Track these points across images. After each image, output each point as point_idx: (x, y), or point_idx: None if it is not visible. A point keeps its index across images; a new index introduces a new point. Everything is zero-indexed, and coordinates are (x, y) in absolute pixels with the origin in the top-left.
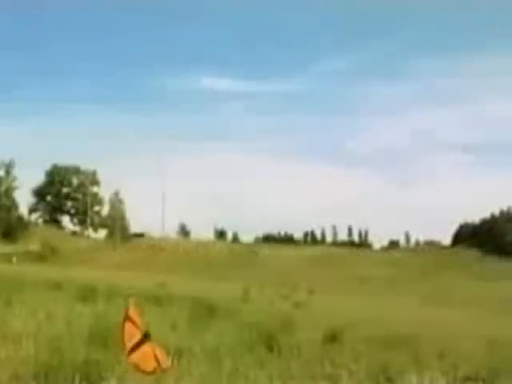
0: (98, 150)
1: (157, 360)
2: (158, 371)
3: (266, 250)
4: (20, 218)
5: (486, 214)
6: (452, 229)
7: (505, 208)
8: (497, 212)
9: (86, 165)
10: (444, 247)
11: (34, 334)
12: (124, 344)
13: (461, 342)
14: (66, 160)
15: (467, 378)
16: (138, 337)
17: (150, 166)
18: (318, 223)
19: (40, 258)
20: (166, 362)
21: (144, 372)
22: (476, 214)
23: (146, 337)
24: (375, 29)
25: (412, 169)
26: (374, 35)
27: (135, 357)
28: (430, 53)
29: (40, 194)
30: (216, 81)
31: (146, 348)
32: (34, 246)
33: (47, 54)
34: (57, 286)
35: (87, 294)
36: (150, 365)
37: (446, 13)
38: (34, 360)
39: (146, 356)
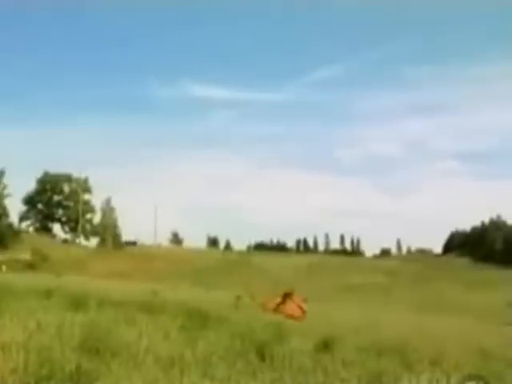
0: (90, 157)
1: (300, 308)
2: (303, 315)
3: (259, 258)
4: (10, 226)
5: (477, 223)
6: (443, 237)
7: (494, 216)
8: (487, 220)
9: (77, 172)
10: (435, 255)
11: (24, 344)
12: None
13: (452, 350)
14: (57, 167)
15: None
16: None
17: (143, 174)
18: (310, 231)
19: (30, 266)
20: (304, 308)
21: (294, 317)
22: (467, 222)
23: (286, 296)
24: (367, 38)
25: (404, 177)
26: (366, 44)
27: (285, 308)
28: (422, 62)
29: (31, 201)
30: (208, 89)
31: (289, 303)
32: (25, 255)
33: (40, 61)
34: (47, 294)
35: (78, 302)
36: (297, 312)
37: (437, 22)
38: (23, 370)
39: (292, 307)
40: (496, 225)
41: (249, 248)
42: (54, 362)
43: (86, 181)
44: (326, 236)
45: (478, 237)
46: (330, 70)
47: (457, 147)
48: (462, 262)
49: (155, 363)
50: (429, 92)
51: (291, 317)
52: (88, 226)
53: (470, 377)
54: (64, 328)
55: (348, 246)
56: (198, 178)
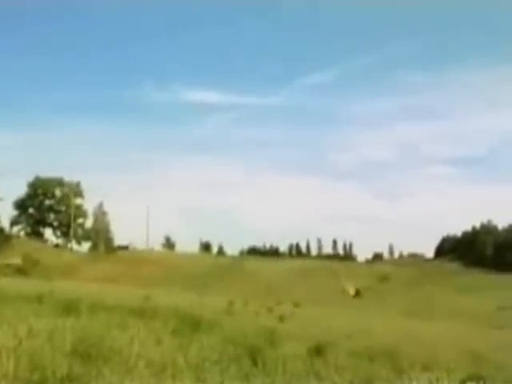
0: (83, 161)
1: None
2: None
3: (251, 263)
4: (1, 231)
5: (468, 227)
6: (435, 242)
7: (485, 221)
8: (478, 225)
9: (69, 176)
10: (427, 260)
11: (15, 349)
12: None
13: (444, 354)
14: (49, 171)
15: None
16: None
17: (136, 178)
18: (302, 236)
19: (22, 271)
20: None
21: None
22: (458, 226)
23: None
24: (361, 43)
25: (396, 182)
26: (359, 49)
27: None
28: (416, 67)
29: (22, 206)
30: (202, 93)
31: None
32: (16, 259)
33: (33, 63)
34: (39, 299)
35: (70, 307)
36: None
37: (432, 27)
38: (13, 375)
39: None
40: (487, 229)
41: (241, 253)
42: (45, 368)
43: (77, 185)
44: (319, 241)
45: (469, 241)
46: (324, 74)
47: (449, 152)
48: (453, 267)
49: (147, 368)
50: (422, 97)
51: None
52: (80, 231)
53: (469, 377)
54: (55, 333)
55: (340, 250)
56: (192, 183)
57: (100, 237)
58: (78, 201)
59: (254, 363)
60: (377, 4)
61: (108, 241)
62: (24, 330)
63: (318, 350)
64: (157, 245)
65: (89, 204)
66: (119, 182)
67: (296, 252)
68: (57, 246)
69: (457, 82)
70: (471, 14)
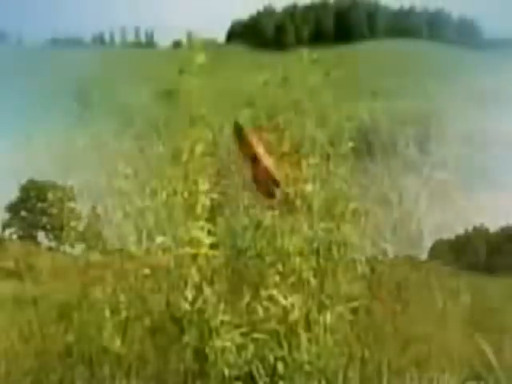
0: (77, 163)
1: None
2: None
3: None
4: None
5: (461, 230)
6: (429, 245)
7: (478, 225)
8: (470, 229)
9: (63, 180)
10: (421, 262)
11: (6, 352)
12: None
13: (439, 356)
14: (43, 174)
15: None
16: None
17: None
18: None
19: (15, 274)
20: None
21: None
22: (452, 229)
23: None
24: None
25: (388, 185)
26: None
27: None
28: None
29: (14, 209)
30: None
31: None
32: (9, 263)
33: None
34: (32, 302)
35: (64, 310)
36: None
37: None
38: (5, 379)
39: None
40: (479, 233)
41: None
42: (38, 371)
43: (71, 188)
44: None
45: (462, 244)
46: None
47: (443, 155)
48: (446, 271)
49: (143, 371)
50: (418, 99)
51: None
52: (73, 234)
53: (468, 378)
54: (49, 336)
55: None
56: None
57: (93, 240)
58: (71, 204)
59: None
60: None
61: (101, 244)
62: (16, 333)
63: None
64: (151, 247)
65: (82, 207)
66: (112, 185)
67: None
68: (50, 249)
69: (453, 85)
70: None
